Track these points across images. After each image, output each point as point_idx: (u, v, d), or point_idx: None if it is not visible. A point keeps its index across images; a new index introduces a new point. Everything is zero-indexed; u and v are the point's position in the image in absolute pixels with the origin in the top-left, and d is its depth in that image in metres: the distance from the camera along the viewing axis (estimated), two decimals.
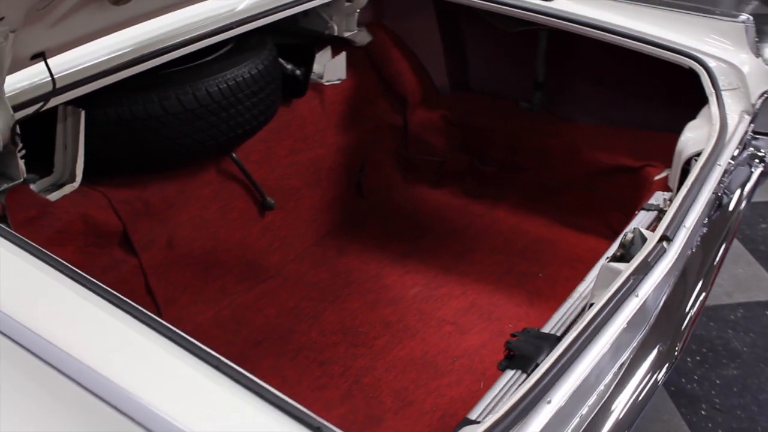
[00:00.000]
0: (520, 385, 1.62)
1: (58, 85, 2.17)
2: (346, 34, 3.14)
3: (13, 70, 1.96)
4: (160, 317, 2.38)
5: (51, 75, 2.02)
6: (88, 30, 2.09)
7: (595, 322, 1.62)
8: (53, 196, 2.24)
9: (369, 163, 3.25)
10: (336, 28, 3.09)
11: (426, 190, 3.29)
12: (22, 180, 2.14)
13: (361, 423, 2.23)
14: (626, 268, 1.81)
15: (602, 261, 1.94)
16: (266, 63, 2.62)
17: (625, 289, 1.72)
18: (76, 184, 2.31)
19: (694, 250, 2.19)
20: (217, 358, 1.35)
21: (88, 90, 2.21)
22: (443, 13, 3.21)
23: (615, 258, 1.94)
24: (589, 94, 3.11)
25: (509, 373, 1.74)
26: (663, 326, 1.96)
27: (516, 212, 3.13)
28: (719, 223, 2.34)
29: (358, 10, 3.10)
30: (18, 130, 2.02)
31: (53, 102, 2.13)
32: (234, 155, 2.69)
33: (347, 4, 3.04)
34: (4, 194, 2.08)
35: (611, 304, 1.67)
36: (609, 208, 2.95)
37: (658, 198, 2.44)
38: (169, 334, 1.38)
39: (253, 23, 2.65)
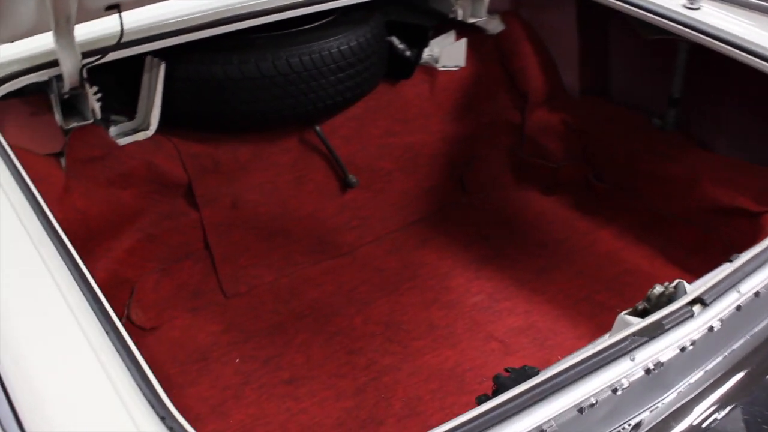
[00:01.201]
0: None
1: (144, 35, 2.27)
2: (471, 20, 2.99)
3: (85, 19, 2.07)
4: (215, 272, 2.45)
5: (121, 28, 2.10)
6: None
7: (559, 378, 1.43)
8: (124, 141, 2.37)
9: (478, 158, 3.09)
10: (460, 12, 2.95)
11: (534, 195, 3.07)
12: (92, 120, 2.28)
13: (362, 421, 2.16)
14: (635, 325, 1.59)
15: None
16: (361, 39, 2.57)
17: (616, 348, 1.51)
18: (149, 133, 2.42)
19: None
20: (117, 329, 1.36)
21: (164, 45, 2.28)
22: (584, 9, 2.94)
23: (635, 311, 1.70)
24: (727, 118, 2.72)
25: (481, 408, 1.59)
26: (682, 407, 1.70)
27: (620, 237, 2.83)
28: None
29: None
30: (85, 74, 2.14)
31: (130, 51, 2.23)
32: (318, 128, 2.68)
33: None
34: (70, 132, 2.23)
35: (589, 362, 1.47)
36: (722, 252, 2.58)
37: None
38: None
39: None
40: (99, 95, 2.27)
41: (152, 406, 1.22)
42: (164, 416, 1.20)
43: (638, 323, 1.60)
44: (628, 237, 2.83)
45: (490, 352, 2.39)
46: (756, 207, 2.44)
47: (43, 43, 2.09)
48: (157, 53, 2.36)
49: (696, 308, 1.65)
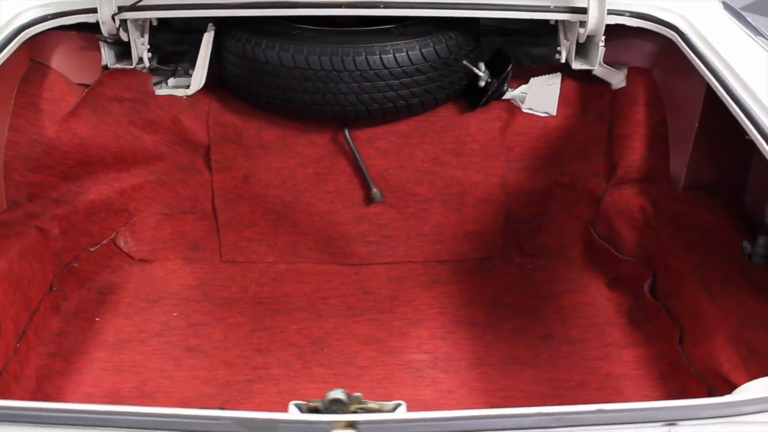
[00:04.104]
0: None
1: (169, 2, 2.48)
2: (576, 66, 2.59)
3: None
4: (217, 233, 2.63)
5: None
6: None
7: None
8: (161, 91, 2.64)
9: (548, 221, 2.72)
10: (564, 53, 2.58)
11: (595, 283, 2.57)
12: (134, 66, 2.59)
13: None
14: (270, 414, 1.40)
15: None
16: (401, 54, 2.44)
17: (215, 421, 1.37)
18: (188, 91, 2.65)
19: None
20: None
21: (184, 15, 2.50)
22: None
23: (307, 405, 1.47)
24: None
25: None
26: None
27: (639, 366, 2.27)
28: None
29: (600, 44, 2.50)
30: (117, 22, 2.44)
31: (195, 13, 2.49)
32: (346, 131, 2.62)
33: (580, 30, 2.49)
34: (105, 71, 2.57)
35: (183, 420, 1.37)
36: None
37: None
38: None
39: (424, 10, 2.45)
40: (146, 46, 2.58)
41: None
42: None
43: (279, 415, 1.40)
44: (646, 369, 2.27)
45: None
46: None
47: None
48: (216, 23, 2.58)
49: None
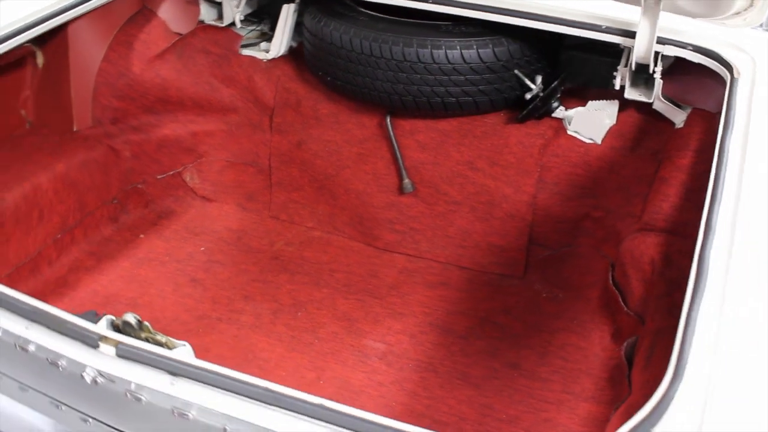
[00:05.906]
0: None
1: None
2: (629, 96, 2.37)
3: None
4: (270, 191, 2.89)
5: None
6: None
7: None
8: (245, 51, 2.89)
9: (574, 252, 2.54)
10: (618, 80, 2.38)
11: (599, 326, 2.37)
12: (225, 24, 2.88)
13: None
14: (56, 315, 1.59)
15: None
16: (439, 51, 2.43)
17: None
18: (267, 56, 2.87)
19: None
20: None
21: None
22: None
23: (116, 322, 1.63)
24: None
25: None
26: None
27: (591, 422, 2.09)
28: None
29: (656, 76, 2.28)
30: None
31: None
32: (388, 118, 2.67)
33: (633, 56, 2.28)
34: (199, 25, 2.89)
35: None
36: None
37: None
38: None
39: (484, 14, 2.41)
40: (242, 10, 2.86)
41: None
42: None
43: (72, 318, 1.58)
44: (593, 428, 2.08)
45: (299, 376, 2.26)
46: None
47: None
48: None
49: (106, 348, 1.51)
